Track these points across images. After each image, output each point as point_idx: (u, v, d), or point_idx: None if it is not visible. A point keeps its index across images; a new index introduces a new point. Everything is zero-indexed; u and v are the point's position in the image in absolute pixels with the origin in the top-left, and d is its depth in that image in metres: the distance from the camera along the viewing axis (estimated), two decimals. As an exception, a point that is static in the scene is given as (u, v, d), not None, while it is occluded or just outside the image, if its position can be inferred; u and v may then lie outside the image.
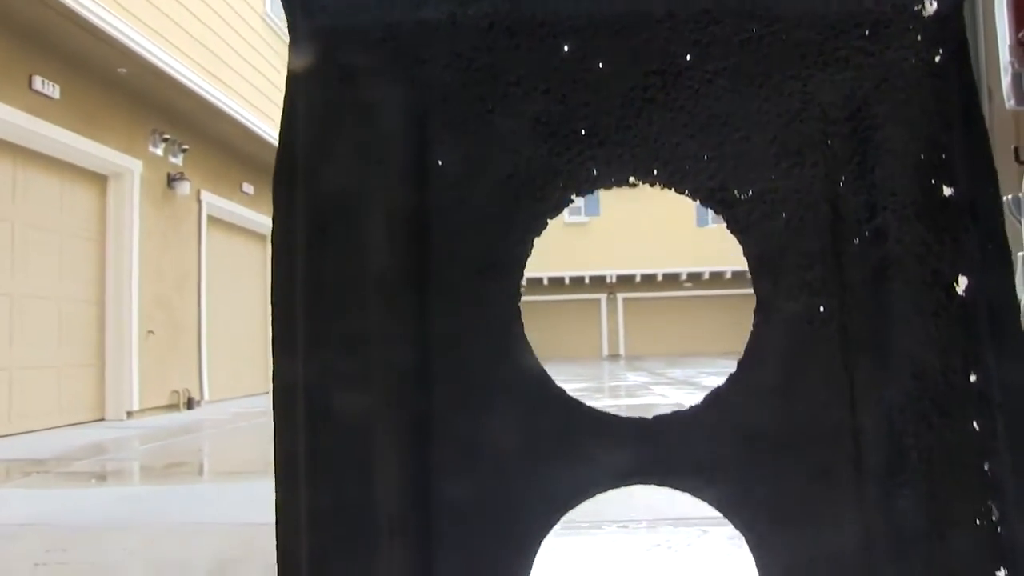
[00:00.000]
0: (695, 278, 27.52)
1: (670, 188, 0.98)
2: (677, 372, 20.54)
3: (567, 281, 27.69)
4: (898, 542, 0.91)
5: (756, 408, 0.96)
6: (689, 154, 0.98)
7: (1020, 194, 3.61)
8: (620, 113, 0.99)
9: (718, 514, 0.98)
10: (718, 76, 0.97)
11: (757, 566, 0.96)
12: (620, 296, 28.55)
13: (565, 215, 27.81)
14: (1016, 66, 3.39)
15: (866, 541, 0.92)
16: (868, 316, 0.94)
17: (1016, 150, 3.74)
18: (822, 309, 0.96)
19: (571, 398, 0.99)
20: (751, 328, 0.97)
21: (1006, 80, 3.52)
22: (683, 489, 0.97)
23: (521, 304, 0.98)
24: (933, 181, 0.93)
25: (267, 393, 13.27)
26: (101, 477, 6.27)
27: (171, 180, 11.52)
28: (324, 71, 0.99)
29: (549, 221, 0.99)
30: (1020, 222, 3.67)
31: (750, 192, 0.97)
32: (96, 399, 10.21)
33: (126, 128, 10.43)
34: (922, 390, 0.91)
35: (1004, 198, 3.68)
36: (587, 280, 27.88)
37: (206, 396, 12.33)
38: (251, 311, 14.45)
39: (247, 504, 4.80)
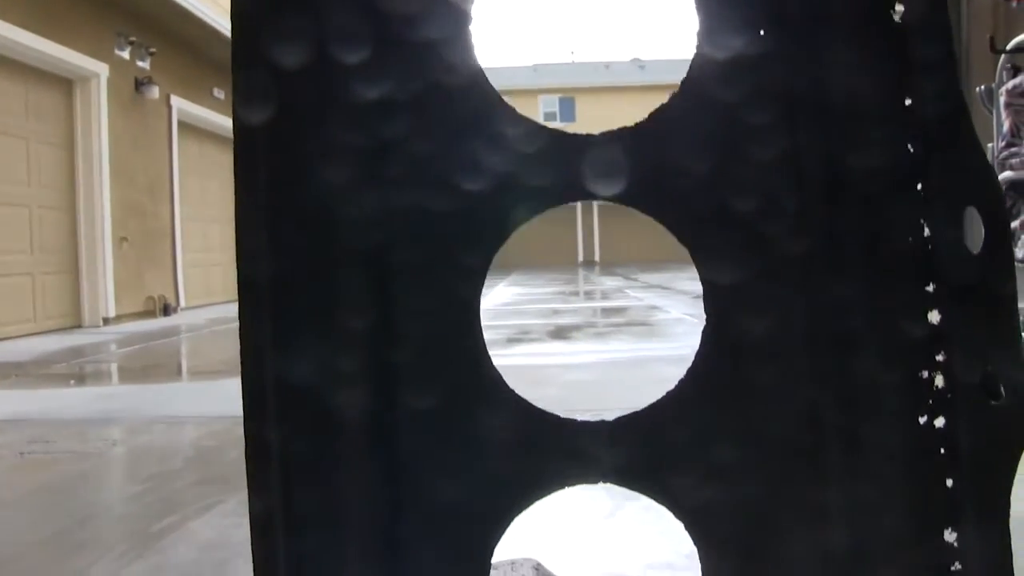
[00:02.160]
0: (671, 185, 27.42)
1: None
2: (652, 277, 20.76)
3: (543, 188, 27.63)
4: (837, 257, 0.97)
5: (697, 121, 0.99)
6: None
7: (992, 84, 3.64)
8: None
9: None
10: None
11: (703, 300, 1.01)
12: (595, 203, 28.60)
13: (540, 120, 27.48)
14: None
15: (807, 255, 0.98)
16: (807, 50, 0.97)
17: (991, 39, 3.76)
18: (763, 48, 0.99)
19: None
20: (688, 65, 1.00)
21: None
22: None
23: None
24: None
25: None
26: (80, 378, 6.37)
27: (139, 84, 11.33)
28: None
29: None
30: (991, 112, 3.71)
31: None
32: (72, 306, 10.25)
33: (90, 30, 10.20)
34: (859, 115, 0.97)
35: (976, 89, 3.71)
36: (563, 187, 27.81)
37: (182, 302, 12.39)
38: (225, 217, 14.38)
39: (225, 400, 4.92)
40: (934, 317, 0.96)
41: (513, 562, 1.51)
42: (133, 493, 3.12)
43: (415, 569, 0.97)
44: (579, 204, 28.53)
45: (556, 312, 11.23)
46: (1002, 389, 0.95)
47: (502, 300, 13.78)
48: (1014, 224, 3.33)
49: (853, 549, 0.96)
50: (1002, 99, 3.46)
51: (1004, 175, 3.34)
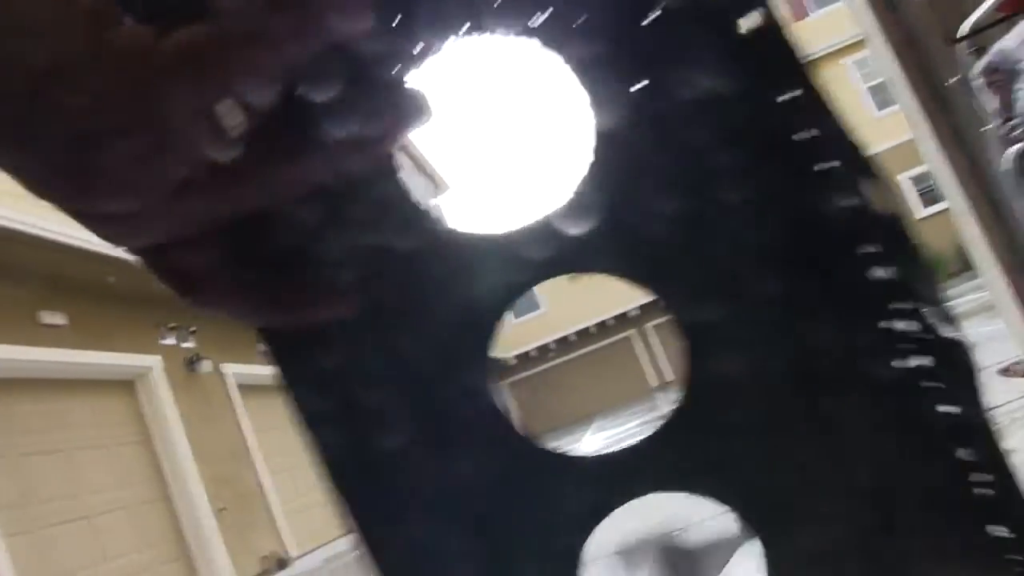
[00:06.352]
0: (711, 282, 27.39)
1: None
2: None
3: (592, 330, 27.81)
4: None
5: None
6: None
7: (964, 75, 3.76)
8: None
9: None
10: None
11: None
12: (648, 325, 28.60)
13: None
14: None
15: None
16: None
17: (946, 32, 3.94)
18: None
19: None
20: None
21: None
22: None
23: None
24: None
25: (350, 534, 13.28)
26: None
27: (190, 363, 11.86)
28: None
29: None
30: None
31: None
32: (192, 590, 10.34)
33: (136, 331, 10.80)
34: None
35: (947, 83, 3.85)
36: (611, 322, 27.99)
37: (294, 552, 12.43)
38: (306, 459, 14.52)
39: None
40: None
41: None
42: None
43: None
44: (633, 332, 28.46)
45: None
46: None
47: (594, 448, 13.65)
48: None
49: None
50: (980, 82, 3.55)
51: (1013, 148, 3.39)
